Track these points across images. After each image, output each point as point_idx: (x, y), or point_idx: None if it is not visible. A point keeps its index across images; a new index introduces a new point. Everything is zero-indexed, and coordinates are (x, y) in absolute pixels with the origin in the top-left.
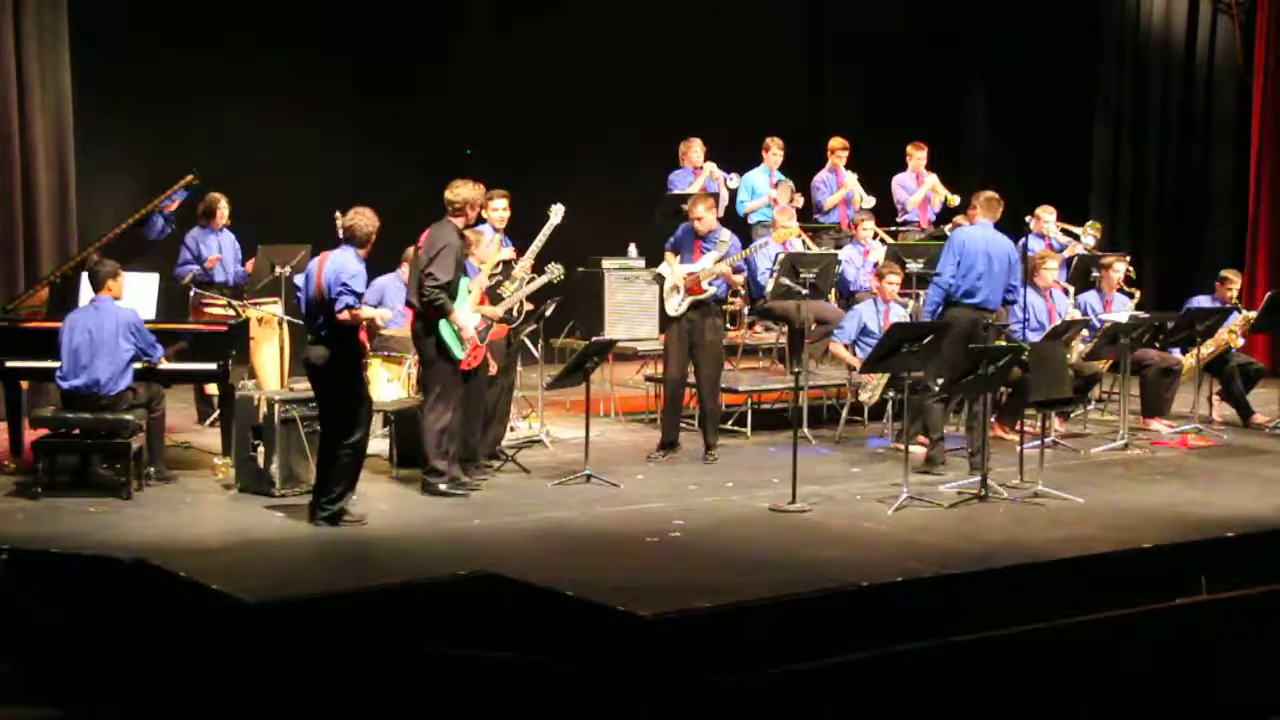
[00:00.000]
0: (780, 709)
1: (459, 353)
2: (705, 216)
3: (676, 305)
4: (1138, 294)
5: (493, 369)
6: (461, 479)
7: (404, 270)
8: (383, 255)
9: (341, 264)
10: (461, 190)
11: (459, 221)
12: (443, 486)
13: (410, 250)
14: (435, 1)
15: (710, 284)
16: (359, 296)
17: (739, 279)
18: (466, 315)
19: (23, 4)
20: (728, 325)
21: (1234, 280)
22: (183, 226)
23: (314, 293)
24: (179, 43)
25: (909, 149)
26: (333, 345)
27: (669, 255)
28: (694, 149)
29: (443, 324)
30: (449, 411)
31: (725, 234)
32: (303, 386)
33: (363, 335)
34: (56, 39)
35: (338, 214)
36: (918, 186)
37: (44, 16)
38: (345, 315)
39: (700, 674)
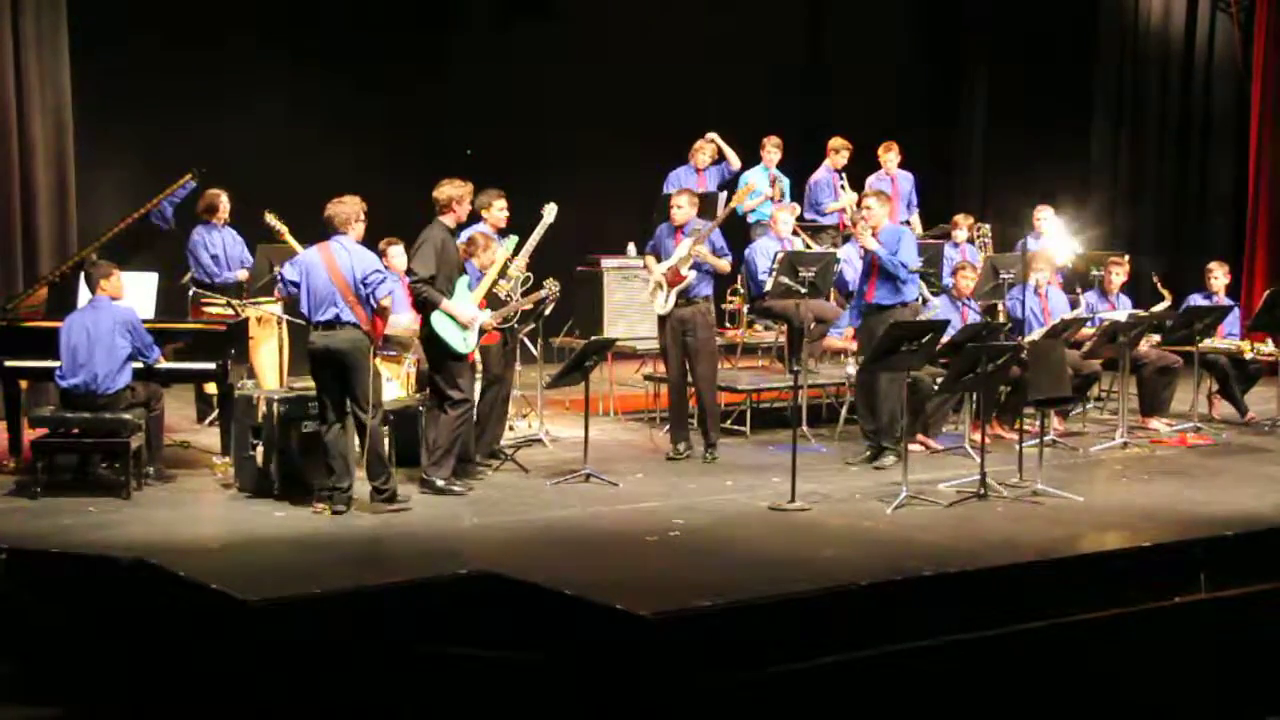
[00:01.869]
0: (779, 708)
1: (460, 346)
2: (684, 207)
3: (663, 303)
4: (1168, 296)
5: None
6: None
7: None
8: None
9: (356, 254)
10: (445, 189)
11: (447, 220)
12: (440, 483)
13: (383, 243)
14: (435, 1)
15: (689, 270)
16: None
17: (724, 263)
18: (465, 306)
19: (22, 3)
20: (726, 323)
21: (1216, 270)
22: (186, 227)
23: (328, 285)
24: (178, 42)
25: (879, 150)
26: (359, 329)
27: (649, 260)
28: (702, 152)
29: (436, 320)
30: (473, 410)
31: (698, 221)
32: (302, 386)
33: (379, 322)
34: (56, 38)
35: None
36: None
37: (43, 16)
38: (389, 301)
39: (700, 673)
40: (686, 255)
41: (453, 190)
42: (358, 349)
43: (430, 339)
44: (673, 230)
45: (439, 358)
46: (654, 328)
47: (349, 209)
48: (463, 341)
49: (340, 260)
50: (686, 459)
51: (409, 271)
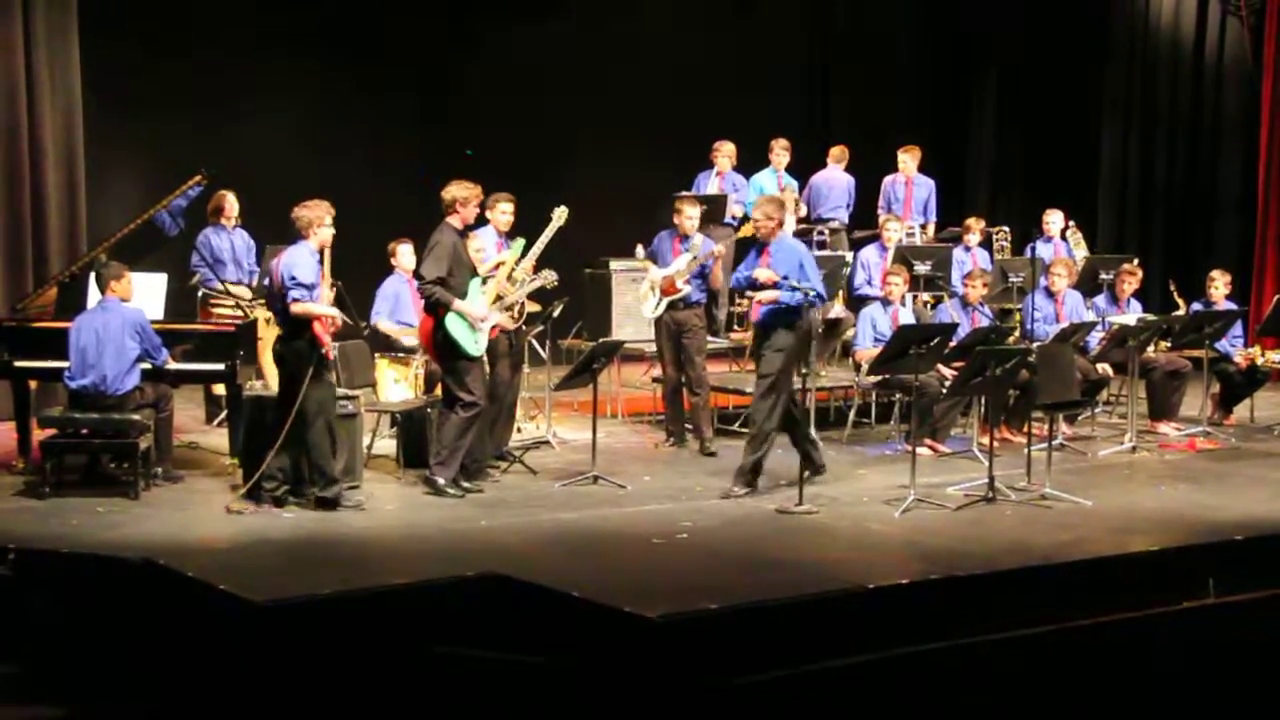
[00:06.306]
0: (787, 710)
1: (472, 348)
2: (692, 218)
3: (652, 308)
4: (1182, 305)
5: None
6: (462, 481)
7: (393, 260)
8: (385, 259)
9: (289, 257)
10: (452, 189)
11: (454, 220)
12: (440, 481)
13: (392, 244)
14: (436, 1)
15: (684, 284)
16: (309, 289)
17: (718, 273)
18: (478, 306)
19: (32, 3)
20: (735, 325)
21: (1217, 278)
22: (195, 227)
23: (274, 287)
24: (187, 42)
25: (898, 152)
26: (286, 339)
27: (649, 264)
28: (720, 154)
29: (449, 321)
30: (479, 410)
31: (698, 236)
32: None
33: (315, 329)
34: (66, 38)
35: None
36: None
37: (53, 16)
38: (297, 309)
39: (707, 675)
40: (684, 271)
41: (459, 191)
42: (280, 358)
43: (443, 340)
44: (673, 238)
45: (449, 359)
46: None
47: (310, 214)
48: (474, 343)
49: (280, 261)
50: (674, 449)
51: (417, 275)
